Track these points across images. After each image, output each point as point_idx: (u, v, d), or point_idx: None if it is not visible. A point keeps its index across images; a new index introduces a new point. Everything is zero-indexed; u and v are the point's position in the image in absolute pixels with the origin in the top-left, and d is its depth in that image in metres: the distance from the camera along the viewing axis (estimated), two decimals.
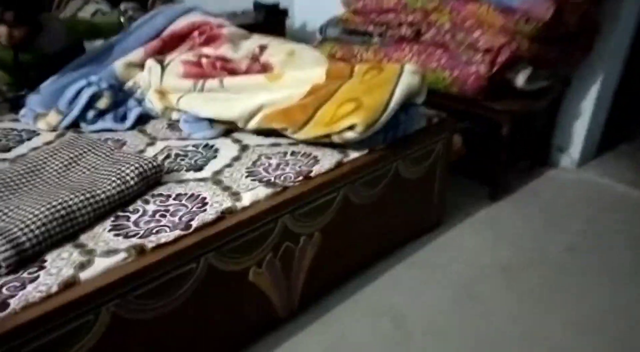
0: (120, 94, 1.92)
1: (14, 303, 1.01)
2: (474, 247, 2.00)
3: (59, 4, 2.59)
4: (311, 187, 1.48)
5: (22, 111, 1.90)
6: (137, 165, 1.39)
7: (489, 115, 2.18)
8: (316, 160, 1.58)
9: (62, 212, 1.20)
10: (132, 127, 1.84)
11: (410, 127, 1.74)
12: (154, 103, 1.87)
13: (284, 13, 3.32)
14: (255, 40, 2.21)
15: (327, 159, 1.59)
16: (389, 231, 1.87)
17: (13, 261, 1.09)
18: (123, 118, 1.86)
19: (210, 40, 2.13)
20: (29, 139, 1.75)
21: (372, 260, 1.87)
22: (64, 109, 1.80)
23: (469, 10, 2.18)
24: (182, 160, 1.60)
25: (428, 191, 1.97)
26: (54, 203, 1.20)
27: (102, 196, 1.28)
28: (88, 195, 1.26)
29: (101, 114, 1.84)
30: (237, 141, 1.73)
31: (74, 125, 1.83)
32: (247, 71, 1.93)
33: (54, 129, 1.81)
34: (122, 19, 2.54)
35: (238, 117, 1.71)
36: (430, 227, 2.08)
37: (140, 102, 1.91)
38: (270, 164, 1.56)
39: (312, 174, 1.51)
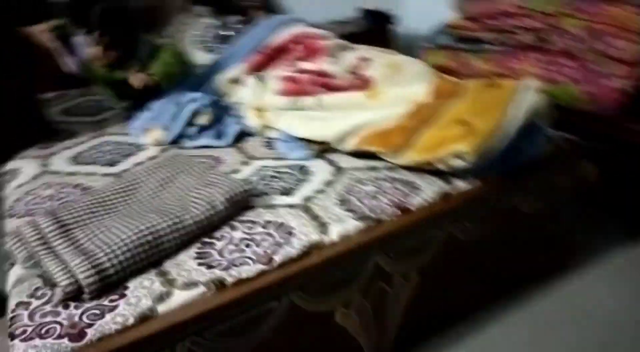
0: (221, 111, 1.91)
1: (91, 333, 0.99)
2: (609, 299, 1.68)
3: (162, 20, 2.69)
4: (410, 222, 1.32)
5: (132, 124, 1.97)
6: (227, 189, 1.33)
7: (628, 137, 1.83)
8: (417, 190, 1.41)
9: (149, 237, 1.17)
10: (231, 144, 1.81)
11: (532, 154, 1.49)
12: (252, 120, 1.83)
13: (390, 19, 3.17)
14: (357, 52, 2.08)
15: (429, 189, 1.41)
16: (502, 273, 1.63)
17: (96, 287, 1.07)
18: (223, 135, 1.84)
19: (309, 53, 2.05)
20: (134, 154, 1.80)
21: (479, 306, 1.63)
22: (168, 125, 1.82)
23: (606, 14, 1.87)
24: (275, 182, 1.52)
25: (552, 228, 1.69)
26: (142, 227, 1.18)
27: (190, 221, 1.24)
28: (176, 220, 1.23)
29: (202, 130, 1.84)
30: (332, 163, 1.62)
31: (178, 141, 1.85)
32: (347, 87, 1.81)
33: (159, 144, 1.85)
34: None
35: (333, 138, 1.60)
36: (554, 271, 1.79)
37: (239, 118, 1.89)
38: (364, 192, 1.42)
39: (411, 207, 1.34)
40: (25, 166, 1.73)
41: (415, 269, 1.38)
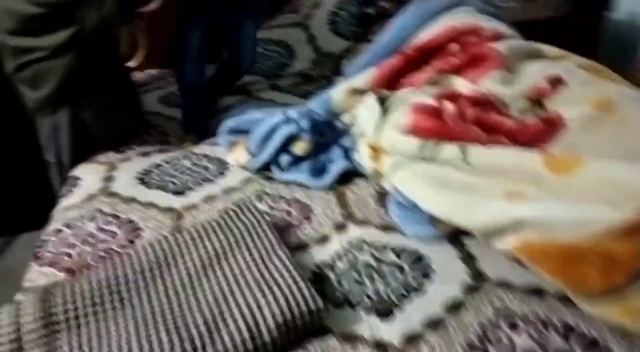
0: (328, 136, 1.40)
1: None
2: None
3: None
4: None
5: (222, 130, 1.54)
6: (284, 306, 0.85)
7: None
8: None
9: None
10: (332, 187, 1.31)
11: None
12: (363, 159, 1.29)
13: (604, 3, 2.27)
14: (547, 65, 1.38)
15: None
16: None
17: None
18: (323, 170, 1.35)
19: (473, 61, 1.40)
20: (211, 181, 1.39)
21: None
22: (253, 149, 1.38)
23: None
24: (371, 281, 0.99)
25: None
26: None
27: None
28: None
29: (298, 160, 1.36)
30: (468, 259, 1.03)
31: (267, 168, 1.40)
32: (518, 131, 1.16)
33: (243, 167, 1.43)
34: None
35: (477, 229, 1.00)
36: None
37: (348, 151, 1.36)
38: (513, 347, 0.82)
39: None
40: (87, 177, 1.44)
41: None
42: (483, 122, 1.18)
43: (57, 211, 1.31)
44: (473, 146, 1.10)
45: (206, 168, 1.45)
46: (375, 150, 1.24)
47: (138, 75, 2.09)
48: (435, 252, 1.05)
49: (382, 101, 1.30)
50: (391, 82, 1.43)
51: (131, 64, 2.12)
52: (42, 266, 1.10)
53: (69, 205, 1.32)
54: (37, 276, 1.07)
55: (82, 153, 1.54)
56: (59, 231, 1.21)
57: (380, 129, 1.24)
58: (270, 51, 1.97)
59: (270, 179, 1.38)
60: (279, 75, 1.97)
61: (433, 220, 1.08)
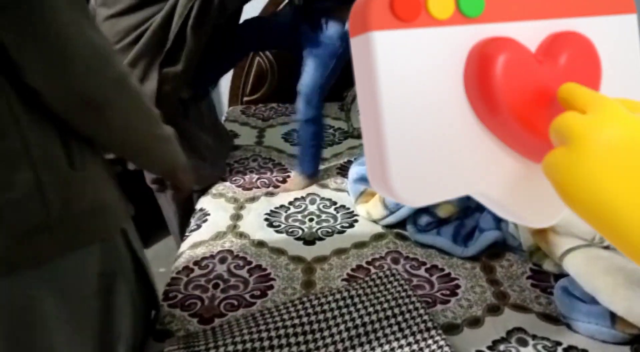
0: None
1: None
2: None
3: None
4: None
5: (351, 174, 1.46)
6: None
7: None
8: None
9: None
10: (477, 256, 1.18)
11: None
12: (520, 231, 1.16)
13: None
14: None
15: None
16: None
17: None
18: (466, 237, 1.22)
19: None
20: (341, 232, 1.31)
21: None
22: (392, 205, 1.28)
23: None
24: None
25: None
26: None
27: None
28: None
29: (440, 222, 1.25)
30: None
31: (399, 224, 1.31)
32: None
33: (374, 221, 1.34)
34: None
35: None
36: None
37: (500, 220, 1.23)
38: None
39: None
40: (216, 213, 1.40)
41: None
42: None
43: (186, 244, 1.28)
44: None
45: (334, 217, 1.38)
46: (543, 229, 1.10)
47: (260, 109, 2.11)
48: None
49: None
50: None
51: (254, 96, 2.14)
52: (173, 308, 1.05)
53: (199, 241, 1.28)
54: (170, 318, 1.02)
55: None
56: (189, 269, 1.17)
57: None
58: None
59: (402, 237, 1.28)
60: None
61: (613, 317, 0.92)
